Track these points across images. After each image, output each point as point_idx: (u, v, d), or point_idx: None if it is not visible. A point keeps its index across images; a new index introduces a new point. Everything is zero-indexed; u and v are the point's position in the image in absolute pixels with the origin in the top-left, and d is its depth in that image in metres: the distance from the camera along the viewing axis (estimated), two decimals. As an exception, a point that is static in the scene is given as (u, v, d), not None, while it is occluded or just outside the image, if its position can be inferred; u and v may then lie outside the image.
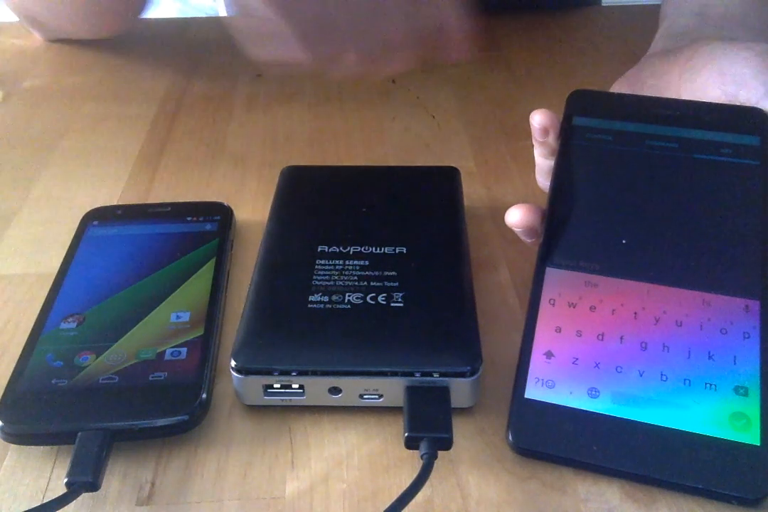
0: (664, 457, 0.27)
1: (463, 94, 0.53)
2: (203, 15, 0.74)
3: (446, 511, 0.27)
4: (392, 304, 0.31)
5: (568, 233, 0.32)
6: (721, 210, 0.31)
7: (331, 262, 0.33)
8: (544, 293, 0.31)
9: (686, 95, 0.35)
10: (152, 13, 0.59)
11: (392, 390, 0.29)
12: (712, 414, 0.27)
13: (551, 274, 0.31)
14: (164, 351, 0.31)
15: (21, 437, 0.28)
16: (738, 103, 0.33)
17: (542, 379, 0.29)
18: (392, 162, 0.46)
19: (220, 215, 0.38)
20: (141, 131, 0.49)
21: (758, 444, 0.26)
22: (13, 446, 0.29)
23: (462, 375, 0.28)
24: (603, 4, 0.69)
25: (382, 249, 0.34)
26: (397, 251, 0.34)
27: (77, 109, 0.52)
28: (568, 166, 0.33)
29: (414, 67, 0.37)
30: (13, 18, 0.62)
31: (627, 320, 0.29)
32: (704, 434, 0.27)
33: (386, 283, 0.32)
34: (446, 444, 0.27)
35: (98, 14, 0.49)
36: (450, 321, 0.30)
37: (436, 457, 0.27)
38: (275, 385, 0.29)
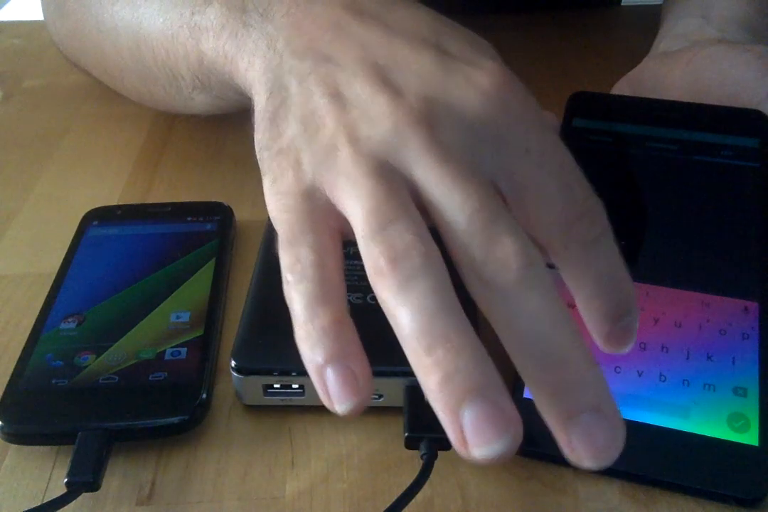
0: (663, 458, 0.27)
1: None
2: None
3: (446, 511, 0.27)
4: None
5: None
6: (721, 212, 0.31)
7: (331, 263, 0.33)
8: (543, 294, 0.31)
9: (687, 97, 0.35)
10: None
11: (392, 390, 0.29)
12: (711, 415, 0.27)
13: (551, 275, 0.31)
14: (164, 351, 0.31)
15: (21, 437, 0.28)
16: (739, 105, 0.33)
17: (542, 380, 0.29)
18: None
19: (220, 215, 0.38)
20: (141, 131, 0.49)
21: (756, 445, 0.26)
22: (13, 446, 0.29)
23: (462, 375, 0.28)
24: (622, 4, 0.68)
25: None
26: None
27: (77, 109, 0.52)
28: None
29: None
30: (12, 18, 0.62)
31: (626, 321, 0.29)
32: (703, 434, 0.27)
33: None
34: (446, 444, 0.27)
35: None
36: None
37: (436, 457, 0.27)
38: (275, 385, 0.29)
